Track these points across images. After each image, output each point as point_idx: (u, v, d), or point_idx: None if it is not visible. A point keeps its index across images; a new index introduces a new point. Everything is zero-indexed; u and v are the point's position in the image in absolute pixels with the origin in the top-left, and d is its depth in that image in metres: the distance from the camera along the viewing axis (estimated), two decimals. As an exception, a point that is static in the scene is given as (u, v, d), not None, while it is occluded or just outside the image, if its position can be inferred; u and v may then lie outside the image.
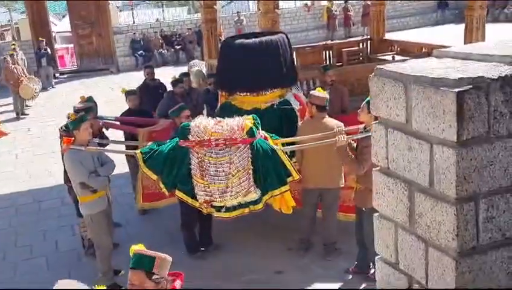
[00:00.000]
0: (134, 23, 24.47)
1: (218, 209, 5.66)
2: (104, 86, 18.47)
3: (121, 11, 27.26)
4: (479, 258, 1.95)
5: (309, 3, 26.43)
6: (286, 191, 5.63)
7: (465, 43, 9.60)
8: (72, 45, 22.74)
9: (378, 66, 2.14)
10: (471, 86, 1.80)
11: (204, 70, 11.41)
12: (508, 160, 1.91)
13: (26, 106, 16.13)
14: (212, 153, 5.52)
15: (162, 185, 5.85)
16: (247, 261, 6.37)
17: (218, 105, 7.26)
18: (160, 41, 22.79)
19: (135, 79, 16.51)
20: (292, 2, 27.09)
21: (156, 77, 10.10)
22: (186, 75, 9.52)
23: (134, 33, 22.62)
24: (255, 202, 5.63)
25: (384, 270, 2.31)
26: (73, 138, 5.73)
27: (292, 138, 6.02)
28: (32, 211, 8.65)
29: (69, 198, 7.12)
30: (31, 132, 13.73)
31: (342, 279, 5.96)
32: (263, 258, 6.41)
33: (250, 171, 5.50)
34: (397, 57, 10.73)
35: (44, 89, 18.36)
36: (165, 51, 22.62)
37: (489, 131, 1.86)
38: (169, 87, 9.55)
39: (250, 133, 5.52)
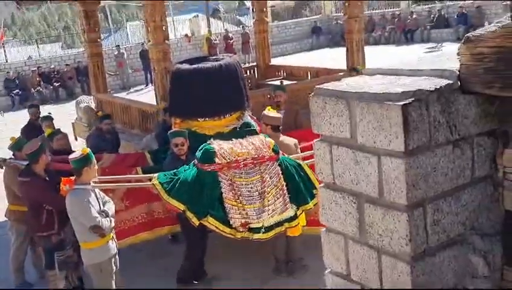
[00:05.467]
0: (7, 61, 23.23)
1: (257, 231, 5.39)
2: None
3: (-10, 49, 25.79)
4: (429, 260, 2.07)
5: (189, 33, 26.66)
6: (316, 204, 5.45)
7: (347, 64, 10.19)
8: None
9: (317, 86, 2.23)
10: (413, 99, 1.93)
11: (93, 106, 11.05)
12: (447, 165, 2.06)
13: None
14: (242, 173, 5.37)
15: (190, 215, 5.37)
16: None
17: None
18: (38, 78, 21.80)
19: (12, 120, 15.68)
20: (172, 34, 27.16)
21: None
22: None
23: (7, 72, 21.47)
24: (291, 219, 5.48)
25: (336, 282, 2.37)
26: (73, 177, 5.16)
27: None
28: None
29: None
30: None
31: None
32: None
33: (284, 188, 5.43)
34: (285, 82, 11.03)
35: None
36: (44, 88, 21.66)
37: (431, 140, 1.99)
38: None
39: (276, 149, 5.50)
